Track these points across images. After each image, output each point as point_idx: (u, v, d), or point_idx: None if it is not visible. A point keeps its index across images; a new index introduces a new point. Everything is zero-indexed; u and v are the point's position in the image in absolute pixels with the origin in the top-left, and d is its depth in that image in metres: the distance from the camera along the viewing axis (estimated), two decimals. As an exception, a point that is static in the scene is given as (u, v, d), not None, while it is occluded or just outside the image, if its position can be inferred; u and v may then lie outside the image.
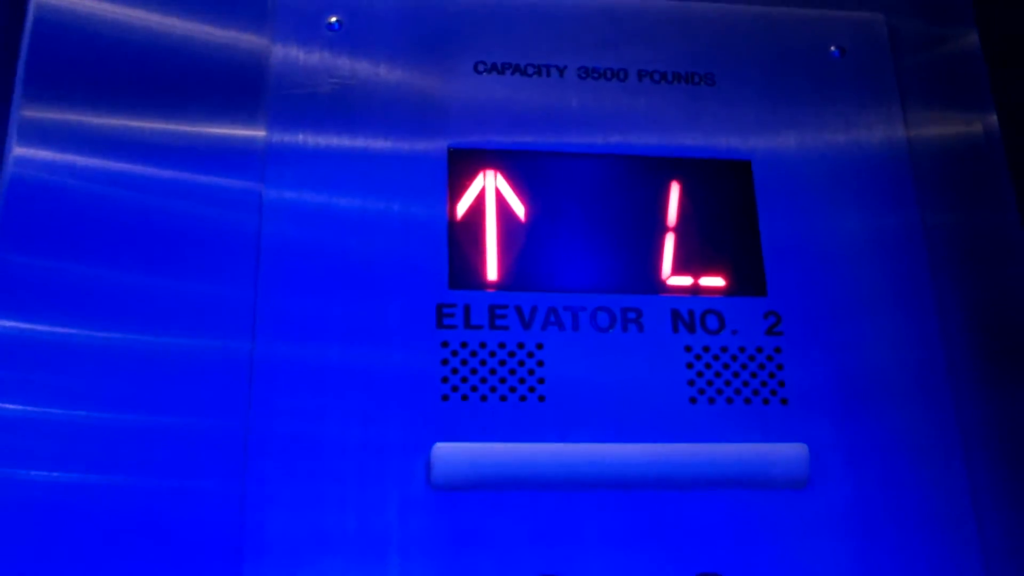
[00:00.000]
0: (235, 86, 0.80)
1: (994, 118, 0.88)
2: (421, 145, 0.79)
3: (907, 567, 0.73)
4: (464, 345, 0.74)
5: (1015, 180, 0.87)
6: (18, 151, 0.75)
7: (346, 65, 0.80)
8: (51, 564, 0.66)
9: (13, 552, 0.66)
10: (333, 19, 0.81)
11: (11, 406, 0.69)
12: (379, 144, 0.79)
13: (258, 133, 0.78)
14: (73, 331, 0.71)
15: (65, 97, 0.77)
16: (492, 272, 0.76)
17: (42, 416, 0.69)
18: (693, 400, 0.75)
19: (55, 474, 0.68)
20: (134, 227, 0.74)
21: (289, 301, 0.74)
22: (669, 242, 0.79)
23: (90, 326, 0.72)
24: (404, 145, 0.79)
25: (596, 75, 0.83)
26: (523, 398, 0.73)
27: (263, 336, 0.73)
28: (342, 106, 0.79)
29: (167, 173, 0.76)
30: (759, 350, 0.77)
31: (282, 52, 0.80)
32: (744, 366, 0.76)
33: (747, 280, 0.79)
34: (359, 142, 0.78)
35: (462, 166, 0.79)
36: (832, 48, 0.87)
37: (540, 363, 0.74)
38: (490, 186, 0.78)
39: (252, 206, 0.77)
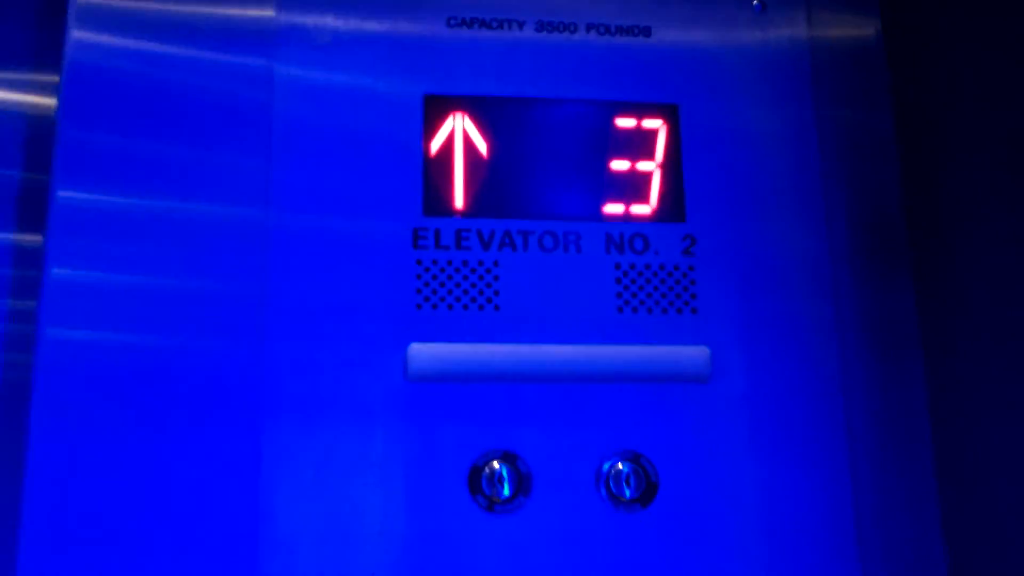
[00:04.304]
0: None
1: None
2: (398, 91, 0.94)
3: (785, 441, 0.91)
4: (435, 263, 0.90)
5: (893, 83, 1.00)
6: (76, 35, 0.88)
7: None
8: (98, 417, 0.81)
9: (66, 407, 0.81)
10: None
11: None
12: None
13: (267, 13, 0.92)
14: (117, 199, 0.86)
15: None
16: (459, 201, 0.92)
17: (86, 280, 0.84)
18: (620, 310, 0.91)
19: (102, 335, 0.83)
20: (169, 102, 0.89)
21: (300, 173, 0.90)
22: (607, 176, 0.94)
23: (134, 194, 0.86)
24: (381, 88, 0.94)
25: (550, 28, 0.97)
26: (482, 307, 0.90)
27: (277, 204, 0.89)
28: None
29: (192, 52, 0.90)
30: (676, 267, 0.93)
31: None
32: (663, 281, 0.92)
33: (670, 208, 0.94)
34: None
35: (435, 110, 0.93)
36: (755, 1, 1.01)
37: (496, 278, 0.91)
38: (459, 127, 0.93)
39: (266, 82, 0.91)
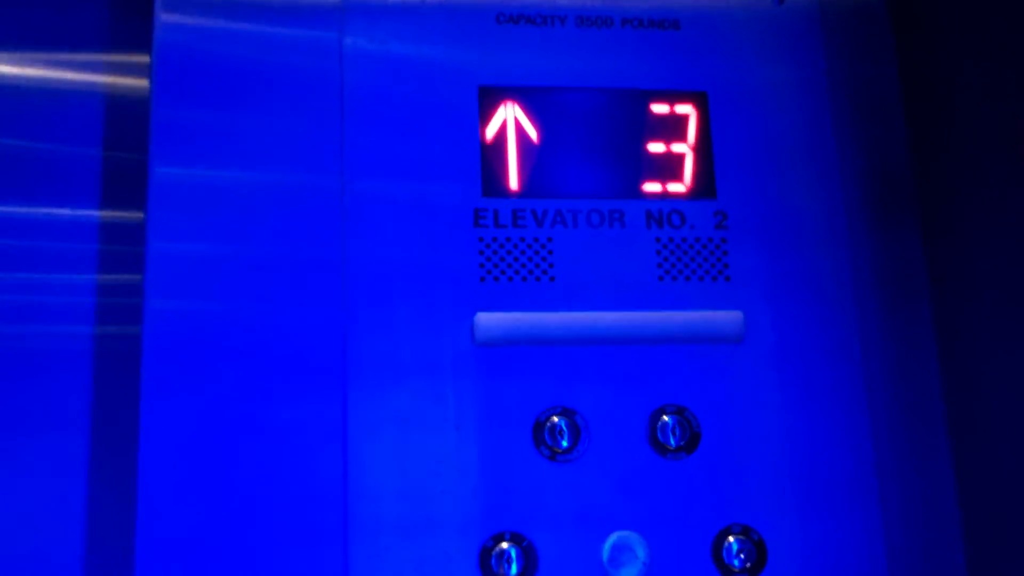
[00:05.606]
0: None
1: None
2: (454, 83, 1.03)
3: (810, 391, 1.01)
4: (495, 239, 0.99)
5: (897, 38, 1.08)
6: (164, 18, 0.96)
7: None
8: (199, 380, 0.90)
9: (172, 372, 0.89)
10: None
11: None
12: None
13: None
14: (207, 173, 0.93)
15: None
16: (514, 183, 1.01)
17: (183, 252, 0.91)
18: (661, 279, 1.01)
19: (201, 304, 0.91)
20: (249, 78, 0.96)
21: (369, 142, 0.99)
22: (645, 158, 1.03)
23: (222, 167, 0.94)
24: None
25: (589, 22, 1.07)
26: (538, 279, 0.99)
27: (351, 172, 0.98)
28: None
29: (267, 29, 0.98)
30: (710, 240, 1.03)
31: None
32: (699, 252, 1.02)
33: (702, 186, 1.04)
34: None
35: (489, 100, 1.02)
36: (773, -4, 1.11)
37: (550, 252, 1.00)
38: (510, 115, 1.03)
39: (336, 54, 0.98)
